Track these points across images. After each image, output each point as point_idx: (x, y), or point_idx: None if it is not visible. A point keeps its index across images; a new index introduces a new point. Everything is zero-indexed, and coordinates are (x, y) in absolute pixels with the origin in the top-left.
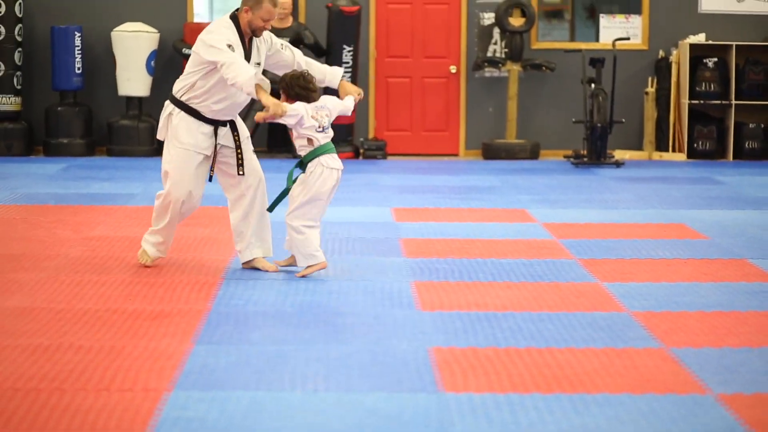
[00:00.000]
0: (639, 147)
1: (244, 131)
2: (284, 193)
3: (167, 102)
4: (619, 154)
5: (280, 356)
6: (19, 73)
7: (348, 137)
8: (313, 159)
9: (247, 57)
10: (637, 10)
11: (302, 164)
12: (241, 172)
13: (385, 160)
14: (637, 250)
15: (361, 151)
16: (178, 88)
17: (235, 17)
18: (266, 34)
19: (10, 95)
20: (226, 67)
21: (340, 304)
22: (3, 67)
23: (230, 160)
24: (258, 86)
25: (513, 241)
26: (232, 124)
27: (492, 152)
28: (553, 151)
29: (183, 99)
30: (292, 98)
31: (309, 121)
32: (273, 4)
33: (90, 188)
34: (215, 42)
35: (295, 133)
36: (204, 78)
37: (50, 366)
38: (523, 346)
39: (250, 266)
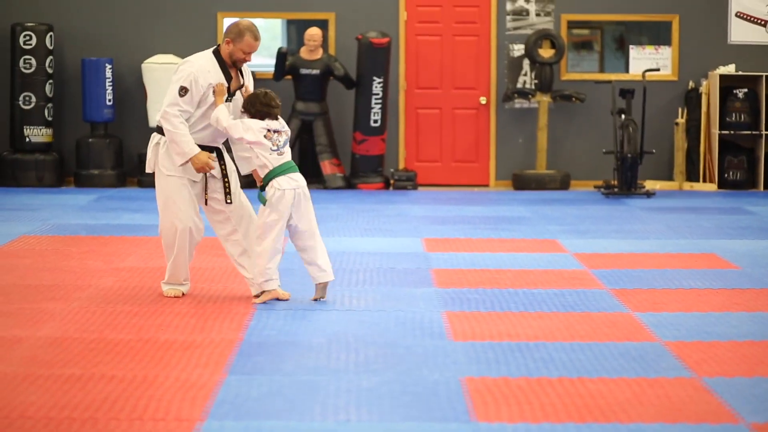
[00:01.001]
0: (669, 177)
1: (230, 163)
2: None
3: (154, 133)
4: (649, 185)
5: (312, 386)
6: (50, 104)
7: (378, 168)
8: (269, 181)
9: (229, 82)
10: (667, 42)
11: (262, 187)
12: (229, 200)
13: (415, 191)
14: (668, 280)
15: (392, 181)
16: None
17: (217, 50)
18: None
19: (41, 127)
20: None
21: (372, 334)
22: (34, 98)
23: (218, 194)
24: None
25: (544, 272)
26: (219, 153)
27: (522, 183)
28: (584, 181)
29: None
30: (253, 116)
31: (256, 136)
32: (254, 37)
33: (121, 219)
34: (174, 81)
35: (240, 148)
36: None
37: (83, 395)
38: (555, 376)
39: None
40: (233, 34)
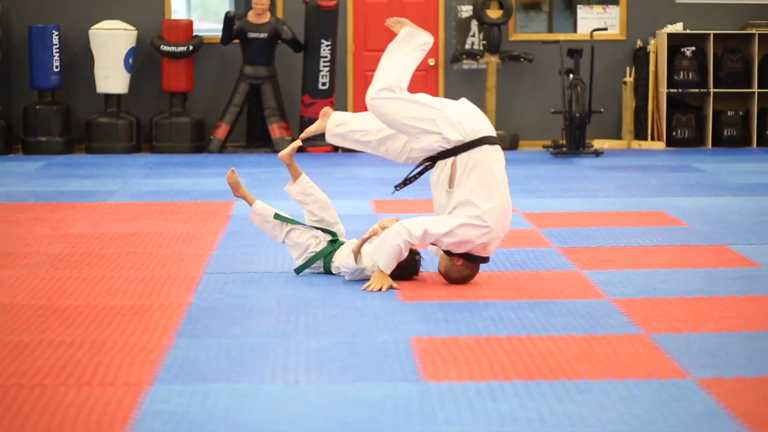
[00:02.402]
0: (618, 136)
1: None
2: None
3: None
4: (598, 144)
5: (261, 349)
6: None
7: None
8: None
9: None
10: (615, 1)
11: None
12: None
13: (364, 154)
14: (616, 238)
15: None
16: None
17: None
18: None
19: None
20: None
21: (321, 296)
22: None
23: None
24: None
25: None
26: None
27: None
28: (532, 141)
29: None
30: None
31: None
32: None
33: (69, 186)
34: None
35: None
36: None
37: (31, 362)
38: (504, 334)
39: None
40: None
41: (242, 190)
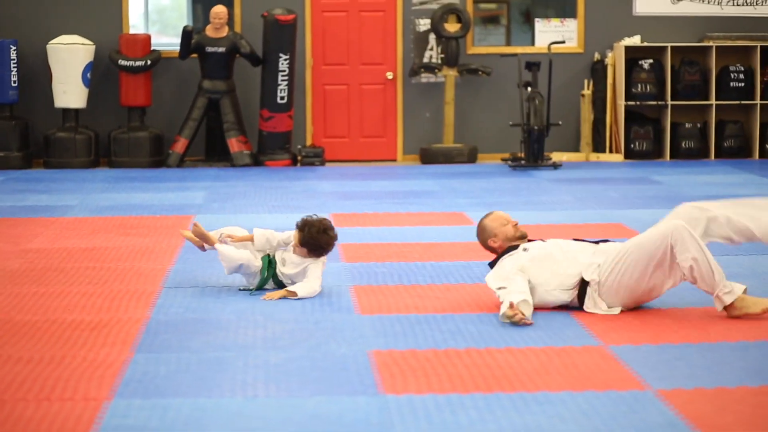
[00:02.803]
0: (576, 149)
1: None
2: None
3: None
4: (556, 156)
5: (220, 363)
6: None
7: (286, 145)
8: None
9: None
10: (572, 14)
11: None
12: None
13: (323, 167)
14: None
15: (299, 158)
16: None
17: None
18: None
19: None
20: None
21: (280, 310)
22: None
23: None
24: None
25: (451, 244)
26: None
27: (430, 157)
28: (491, 154)
29: None
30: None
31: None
32: None
33: (27, 201)
34: None
35: None
36: None
37: None
38: (463, 347)
39: None
40: None
41: (211, 239)
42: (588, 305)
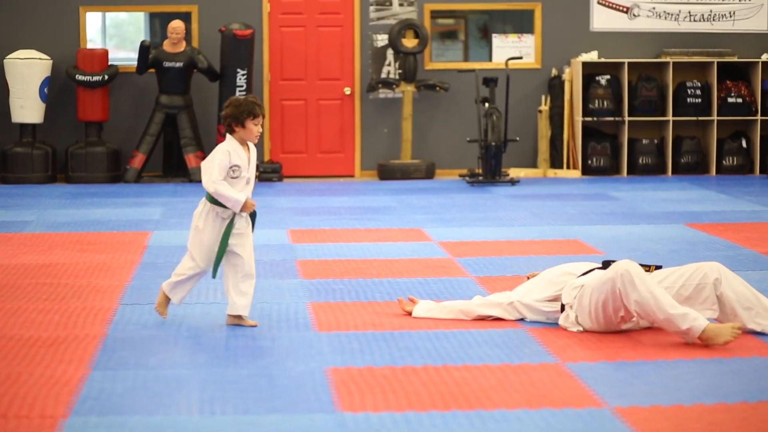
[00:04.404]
0: (534, 165)
1: None
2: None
3: None
4: (514, 172)
5: (177, 380)
6: None
7: None
8: None
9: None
10: (530, 30)
11: None
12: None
13: (280, 183)
14: (532, 267)
15: (257, 174)
16: None
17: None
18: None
19: None
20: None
21: (237, 327)
22: None
23: None
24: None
25: (409, 261)
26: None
27: (387, 173)
28: (449, 170)
29: None
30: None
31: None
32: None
33: None
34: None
35: None
36: None
37: None
38: (420, 364)
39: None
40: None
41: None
42: (561, 320)
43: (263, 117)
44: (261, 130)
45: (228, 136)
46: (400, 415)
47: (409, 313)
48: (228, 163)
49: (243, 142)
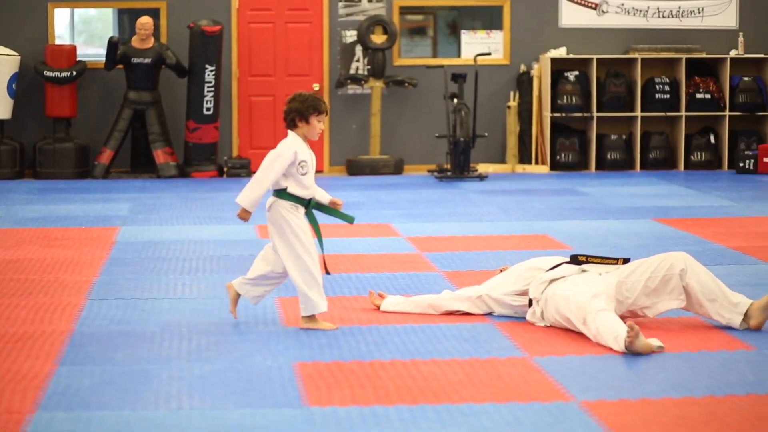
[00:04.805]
0: (502, 160)
1: None
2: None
3: None
4: (482, 168)
5: (144, 375)
6: None
7: (212, 156)
8: None
9: None
10: (499, 26)
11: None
12: None
13: (248, 178)
14: (500, 262)
15: (225, 169)
16: None
17: None
18: None
19: None
20: None
21: (205, 322)
22: None
23: None
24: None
25: (377, 256)
26: None
27: (356, 168)
28: (417, 166)
29: None
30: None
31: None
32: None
33: None
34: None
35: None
36: None
37: None
38: (388, 358)
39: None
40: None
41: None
42: (528, 315)
43: (327, 114)
44: (323, 127)
45: (290, 132)
46: (368, 410)
47: (378, 308)
48: (295, 160)
49: (305, 138)
